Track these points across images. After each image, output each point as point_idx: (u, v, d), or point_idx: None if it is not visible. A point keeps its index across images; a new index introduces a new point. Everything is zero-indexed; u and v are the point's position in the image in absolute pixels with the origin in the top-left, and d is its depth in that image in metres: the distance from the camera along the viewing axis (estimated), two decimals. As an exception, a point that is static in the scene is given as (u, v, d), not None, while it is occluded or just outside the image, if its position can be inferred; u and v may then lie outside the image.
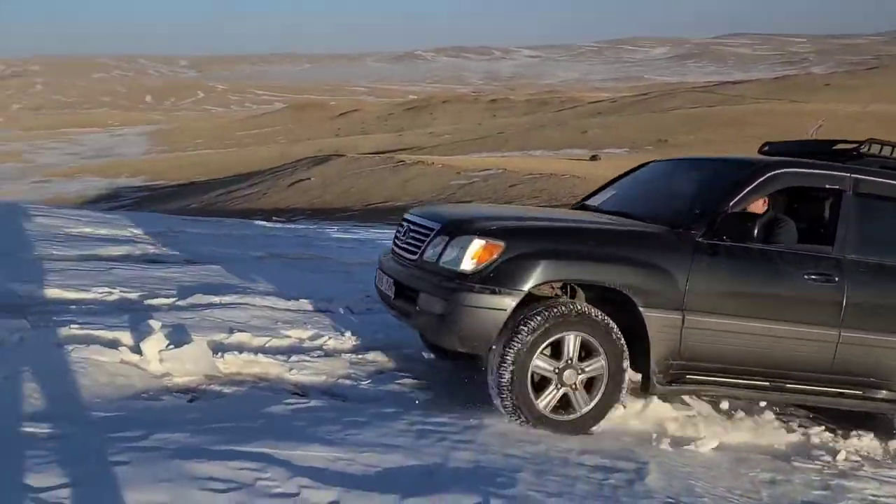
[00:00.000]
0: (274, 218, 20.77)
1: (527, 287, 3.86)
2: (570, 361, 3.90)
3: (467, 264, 3.90)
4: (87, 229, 9.20)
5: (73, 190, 50.47)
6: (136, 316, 4.98)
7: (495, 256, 3.88)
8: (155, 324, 4.51)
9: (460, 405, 4.15)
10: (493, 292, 3.83)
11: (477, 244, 3.90)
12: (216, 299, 5.80)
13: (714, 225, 4.12)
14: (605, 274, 3.98)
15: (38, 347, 4.22)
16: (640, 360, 4.05)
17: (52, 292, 5.65)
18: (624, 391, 4.04)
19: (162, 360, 4.28)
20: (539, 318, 3.80)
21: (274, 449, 3.16)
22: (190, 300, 5.74)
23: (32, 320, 4.72)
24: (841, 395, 4.48)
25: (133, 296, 5.79)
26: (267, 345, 4.96)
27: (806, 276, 4.28)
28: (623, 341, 3.97)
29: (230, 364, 4.55)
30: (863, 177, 4.51)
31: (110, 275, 6.40)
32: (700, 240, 4.14)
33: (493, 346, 3.88)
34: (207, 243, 9.20)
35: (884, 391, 4.48)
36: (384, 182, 33.80)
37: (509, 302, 3.83)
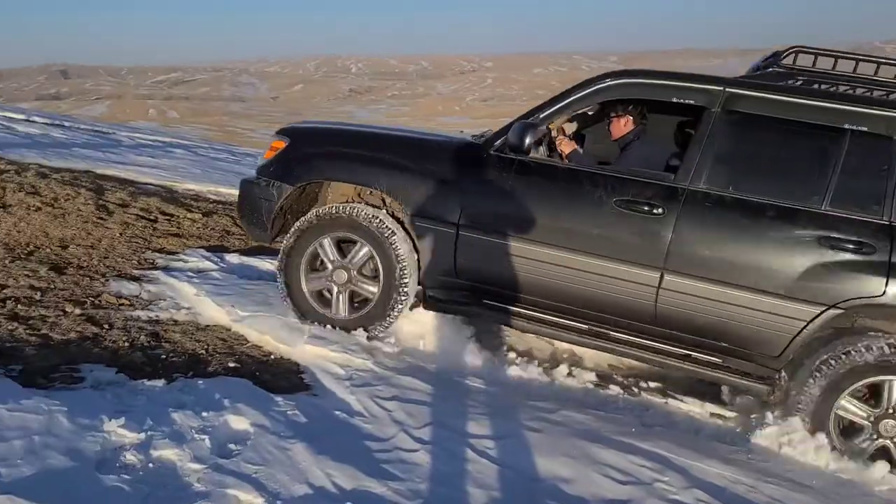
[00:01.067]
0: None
1: (295, 182, 4.06)
2: (336, 261, 4.00)
3: (261, 160, 4.27)
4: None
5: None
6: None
7: (278, 152, 4.14)
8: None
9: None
10: (265, 184, 4.11)
11: (271, 141, 4.23)
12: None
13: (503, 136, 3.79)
14: (370, 177, 3.96)
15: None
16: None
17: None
18: (396, 301, 3.93)
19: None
20: (309, 218, 4.00)
21: (672, 453, 3.18)
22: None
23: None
24: (687, 357, 3.71)
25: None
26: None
27: (616, 203, 3.60)
28: (399, 251, 3.87)
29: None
30: (739, 91, 3.63)
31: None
32: (491, 153, 3.85)
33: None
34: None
35: (742, 356, 3.62)
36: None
37: (273, 193, 4.08)
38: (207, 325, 3.89)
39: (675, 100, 3.75)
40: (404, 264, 3.90)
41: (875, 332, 3.43)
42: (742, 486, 3.02)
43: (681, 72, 3.85)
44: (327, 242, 4.00)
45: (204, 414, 2.78)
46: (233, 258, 5.22)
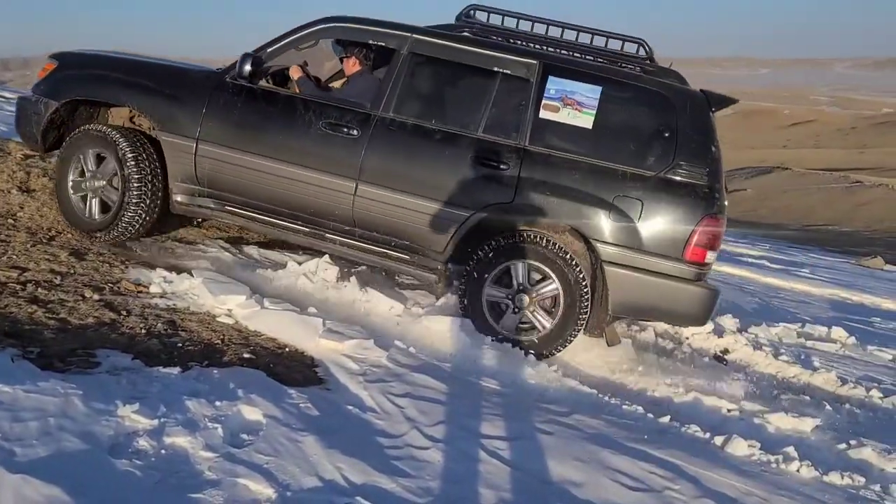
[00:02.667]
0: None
1: (55, 99, 4.71)
2: (92, 172, 4.68)
3: (35, 78, 4.97)
4: None
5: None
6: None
7: (48, 73, 4.81)
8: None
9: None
10: (35, 100, 4.76)
11: (45, 63, 4.93)
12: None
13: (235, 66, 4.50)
14: (122, 96, 4.66)
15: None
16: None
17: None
18: (133, 201, 4.58)
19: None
20: (74, 134, 4.72)
21: (685, 462, 3.15)
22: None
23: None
24: (386, 255, 4.49)
25: None
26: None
27: (323, 126, 4.38)
28: (145, 162, 4.58)
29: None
30: (422, 37, 4.45)
31: None
32: (227, 80, 4.55)
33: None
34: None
35: (418, 252, 4.40)
36: (832, 203, 30.24)
37: (41, 108, 4.72)
38: (223, 315, 3.91)
39: (371, 42, 4.63)
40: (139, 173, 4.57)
41: (508, 229, 4.25)
42: (755, 498, 2.99)
43: (380, 19, 4.60)
44: (90, 154, 4.66)
45: (217, 403, 2.79)
46: (251, 250, 5.25)
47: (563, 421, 3.36)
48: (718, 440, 3.56)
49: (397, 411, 3.14)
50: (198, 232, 5.49)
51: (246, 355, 3.46)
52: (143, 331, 3.46)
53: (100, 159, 4.66)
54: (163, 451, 2.43)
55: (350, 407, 3.12)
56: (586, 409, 3.62)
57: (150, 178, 4.59)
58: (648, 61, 4.54)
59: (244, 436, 2.65)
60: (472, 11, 4.74)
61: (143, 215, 4.64)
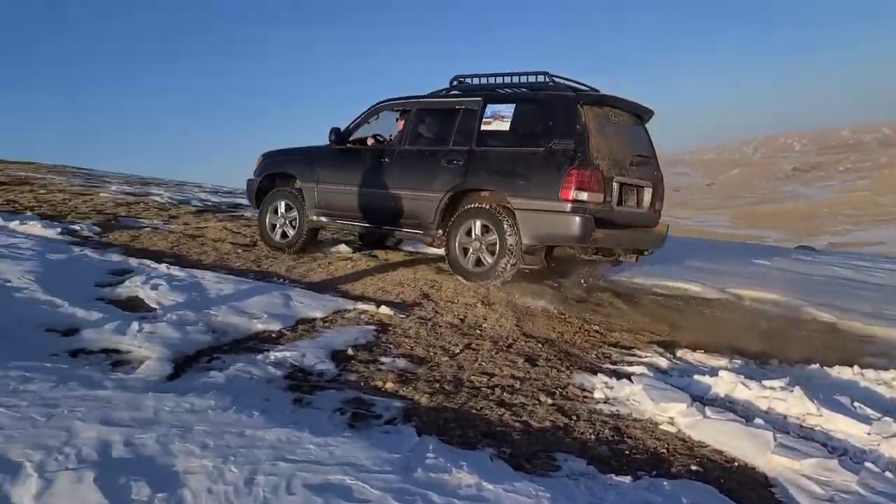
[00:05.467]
0: None
1: (261, 175, 8.47)
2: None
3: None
4: None
5: None
6: None
7: (257, 165, 8.58)
8: None
9: None
10: (250, 180, 8.59)
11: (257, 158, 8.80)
12: None
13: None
14: (283, 167, 8.32)
15: None
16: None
17: None
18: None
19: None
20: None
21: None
22: None
23: None
24: (408, 231, 7.35)
25: None
26: None
27: (373, 162, 7.54)
28: (299, 199, 8.15)
29: None
30: (419, 100, 7.52)
31: None
32: (330, 145, 7.93)
33: None
34: None
35: (422, 226, 7.16)
36: None
37: (254, 182, 8.51)
38: (665, 423, 3.91)
39: (402, 109, 7.73)
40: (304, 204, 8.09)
41: (465, 201, 6.92)
42: None
43: (401, 96, 7.70)
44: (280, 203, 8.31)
45: (672, 518, 2.77)
46: (685, 354, 5.20)
47: None
48: None
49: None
50: (631, 337, 5.68)
51: (693, 467, 3.38)
52: (593, 436, 3.66)
53: (289, 207, 8.21)
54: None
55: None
56: None
57: (300, 208, 8.06)
58: (551, 83, 6.92)
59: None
60: (455, 81, 7.54)
61: (298, 238, 8.08)
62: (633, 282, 8.17)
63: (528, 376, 4.52)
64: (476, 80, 7.39)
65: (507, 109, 6.69)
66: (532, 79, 7.04)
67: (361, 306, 5.78)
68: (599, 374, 4.61)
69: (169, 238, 8.17)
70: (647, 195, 6.99)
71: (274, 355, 4.40)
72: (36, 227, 7.90)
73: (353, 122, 7.83)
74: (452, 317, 5.78)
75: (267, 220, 8.20)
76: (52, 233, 7.78)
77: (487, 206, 6.55)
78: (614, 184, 6.42)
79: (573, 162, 6.13)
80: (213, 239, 8.37)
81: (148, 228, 8.75)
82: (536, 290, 6.82)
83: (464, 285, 6.62)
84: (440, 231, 6.92)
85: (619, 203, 6.50)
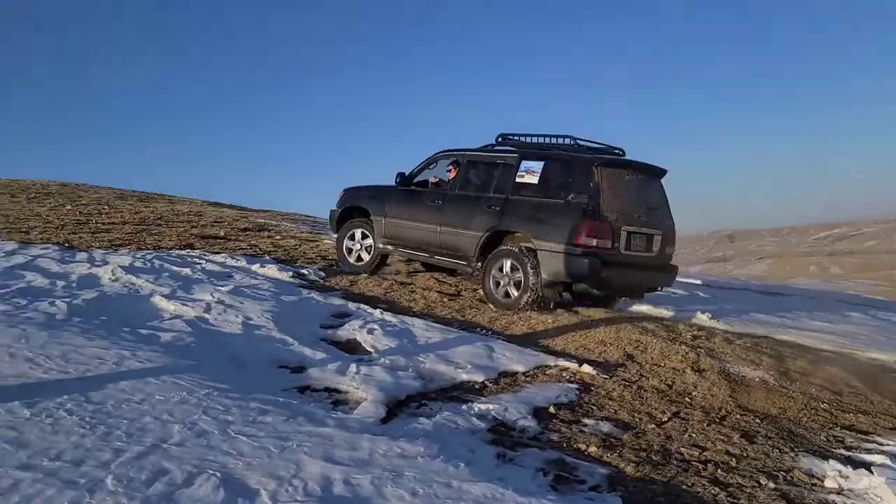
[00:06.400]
0: None
1: (339, 208, 9.92)
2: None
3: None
4: None
5: None
6: None
7: (339, 197, 10.01)
8: None
9: None
10: (332, 211, 10.14)
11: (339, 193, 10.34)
12: None
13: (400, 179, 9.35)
14: (358, 202, 9.69)
15: None
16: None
17: None
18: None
19: None
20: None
21: None
22: None
23: None
24: (453, 262, 8.63)
25: None
26: None
27: (429, 202, 8.85)
28: (369, 228, 9.61)
29: None
30: (468, 153, 8.81)
31: None
32: (397, 186, 9.28)
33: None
34: None
35: (464, 258, 8.44)
36: None
37: (336, 213, 9.99)
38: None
39: (461, 161, 8.92)
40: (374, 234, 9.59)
41: (500, 241, 8.26)
42: None
43: (455, 148, 9.06)
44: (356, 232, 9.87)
45: None
46: (939, 447, 4.48)
47: None
48: None
49: None
50: (869, 420, 5.02)
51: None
52: (825, 532, 3.26)
53: (365, 235, 9.65)
54: None
55: None
56: None
57: (374, 237, 9.45)
58: (576, 145, 8.17)
59: None
60: (500, 137, 8.83)
61: (372, 262, 9.54)
62: (869, 356, 7.26)
63: (745, 454, 4.16)
64: (517, 138, 8.73)
65: (538, 165, 7.97)
66: (562, 140, 8.32)
67: (563, 363, 5.72)
68: (831, 461, 4.12)
69: (383, 284, 8.73)
70: (657, 241, 8.06)
71: (478, 406, 4.50)
72: (272, 270, 8.87)
73: (416, 168, 9.31)
74: (659, 381, 5.52)
75: (344, 245, 9.76)
76: (285, 276, 8.69)
77: (516, 249, 7.88)
78: (623, 232, 7.60)
79: (586, 214, 7.40)
80: (422, 287, 8.80)
81: (364, 275, 9.43)
82: (753, 357, 6.31)
83: (671, 348, 6.30)
84: (479, 263, 8.27)
85: (627, 248, 7.66)
